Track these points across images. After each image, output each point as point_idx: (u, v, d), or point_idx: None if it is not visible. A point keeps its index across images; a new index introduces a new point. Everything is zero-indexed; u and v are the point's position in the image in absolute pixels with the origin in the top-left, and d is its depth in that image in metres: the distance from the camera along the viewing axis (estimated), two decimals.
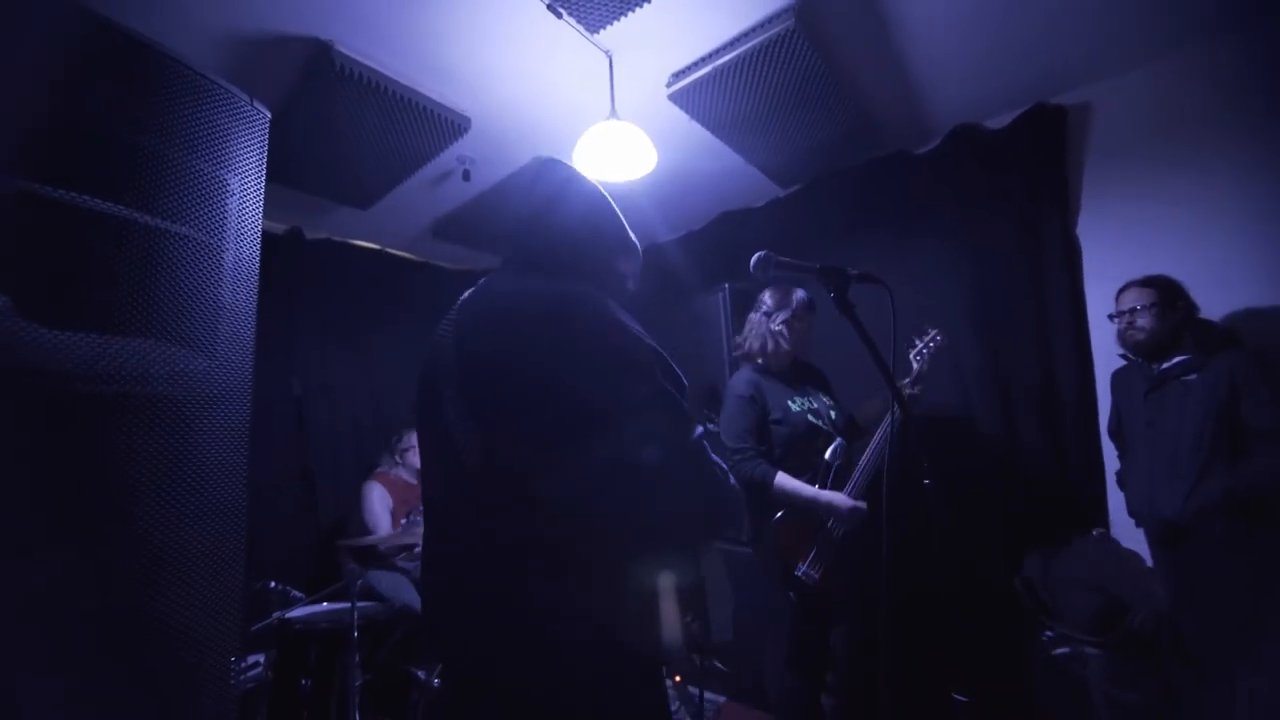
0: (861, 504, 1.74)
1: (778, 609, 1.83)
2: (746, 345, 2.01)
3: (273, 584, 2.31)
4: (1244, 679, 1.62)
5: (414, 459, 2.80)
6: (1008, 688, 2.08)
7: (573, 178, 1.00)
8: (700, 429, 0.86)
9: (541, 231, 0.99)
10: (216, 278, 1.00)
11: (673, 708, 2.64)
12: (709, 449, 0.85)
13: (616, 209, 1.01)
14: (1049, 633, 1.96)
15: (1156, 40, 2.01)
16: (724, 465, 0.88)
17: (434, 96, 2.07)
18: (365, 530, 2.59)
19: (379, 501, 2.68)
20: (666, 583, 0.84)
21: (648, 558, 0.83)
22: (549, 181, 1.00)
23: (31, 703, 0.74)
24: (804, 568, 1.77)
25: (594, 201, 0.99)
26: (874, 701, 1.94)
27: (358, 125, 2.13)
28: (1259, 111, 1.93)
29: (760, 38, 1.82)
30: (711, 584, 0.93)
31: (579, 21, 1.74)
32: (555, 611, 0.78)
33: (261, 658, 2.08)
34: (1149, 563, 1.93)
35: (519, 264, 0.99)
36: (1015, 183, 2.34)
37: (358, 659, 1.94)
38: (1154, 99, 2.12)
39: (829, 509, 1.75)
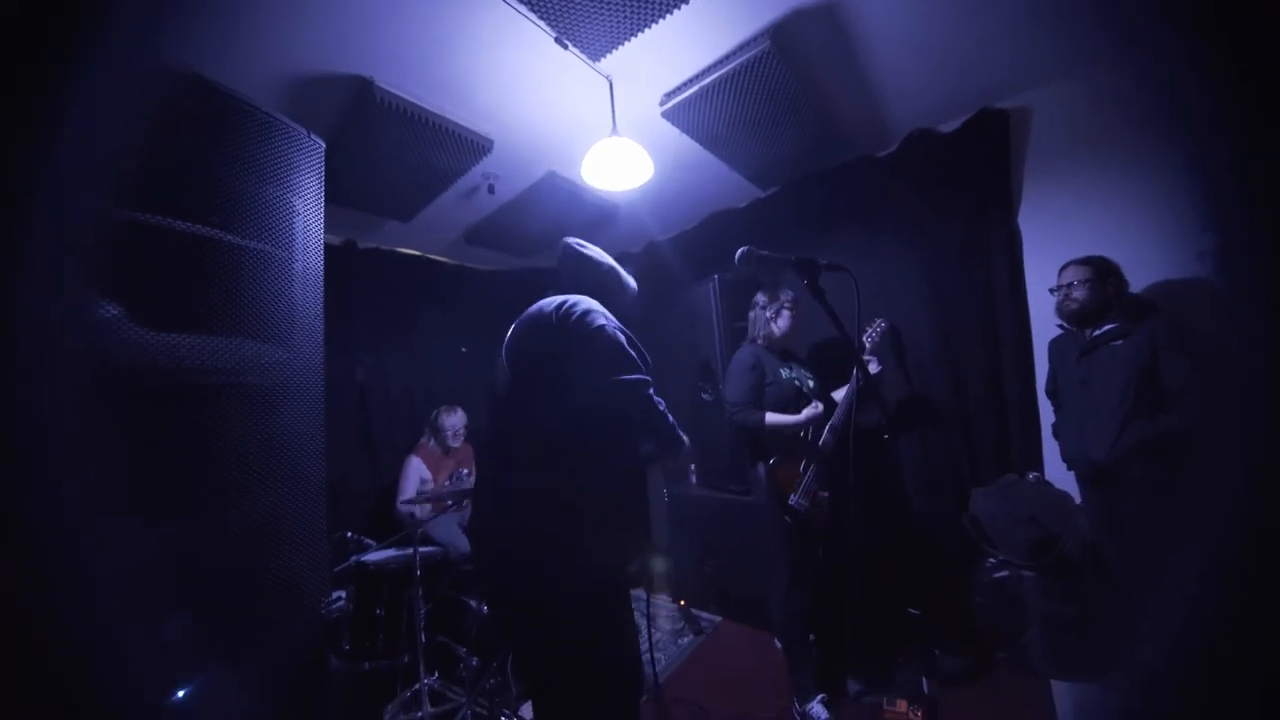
0: (817, 408, 1.94)
1: (778, 534, 1.94)
2: (751, 331, 2.15)
3: (349, 534, 2.38)
4: (1152, 592, 1.66)
5: (447, 437, 2.85)
6: (957, 604, 2.13)
7: (584, 255, 1.29)
8: (646, 379, 1.05)
9: (565, 278, 1.27)
10: (289, 284, 1.02)
11: (677, 626, 2.73)
12: (649, 388, 1.04)
13: (614, 267, 1.29)
14: (991, 560, 2.00)
15: (1085, 54, 1.95)
16: (662, 405, 1.07)
17: (461, 122, 2.06)
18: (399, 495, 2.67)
19: (414, 472, 2.73)
20: (615, 504, 1.03)
21: (602, 473, 1.03)
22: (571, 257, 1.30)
23: (171, 635, 0.79)
24: (795, 498, 1.90)
25: (599, 265, 1.29)
26: (845, 609, 2.07)
27: (397, 149, 2.13)
28: (1166, 113, 1.88)
29: (740, 59, 1.79)
30: (654, 496, 1.15)
31: (583, 51, 1.72)
32: (536, 537, 0.97)
33: (343, 593, 2.16)
34: (1077, 500, 1.96)
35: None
36: (964, 179, 2.31)
37: (420, 592, 2.02)
38: (1085, 104, 2.07)
39: (806, 423, 1.92)
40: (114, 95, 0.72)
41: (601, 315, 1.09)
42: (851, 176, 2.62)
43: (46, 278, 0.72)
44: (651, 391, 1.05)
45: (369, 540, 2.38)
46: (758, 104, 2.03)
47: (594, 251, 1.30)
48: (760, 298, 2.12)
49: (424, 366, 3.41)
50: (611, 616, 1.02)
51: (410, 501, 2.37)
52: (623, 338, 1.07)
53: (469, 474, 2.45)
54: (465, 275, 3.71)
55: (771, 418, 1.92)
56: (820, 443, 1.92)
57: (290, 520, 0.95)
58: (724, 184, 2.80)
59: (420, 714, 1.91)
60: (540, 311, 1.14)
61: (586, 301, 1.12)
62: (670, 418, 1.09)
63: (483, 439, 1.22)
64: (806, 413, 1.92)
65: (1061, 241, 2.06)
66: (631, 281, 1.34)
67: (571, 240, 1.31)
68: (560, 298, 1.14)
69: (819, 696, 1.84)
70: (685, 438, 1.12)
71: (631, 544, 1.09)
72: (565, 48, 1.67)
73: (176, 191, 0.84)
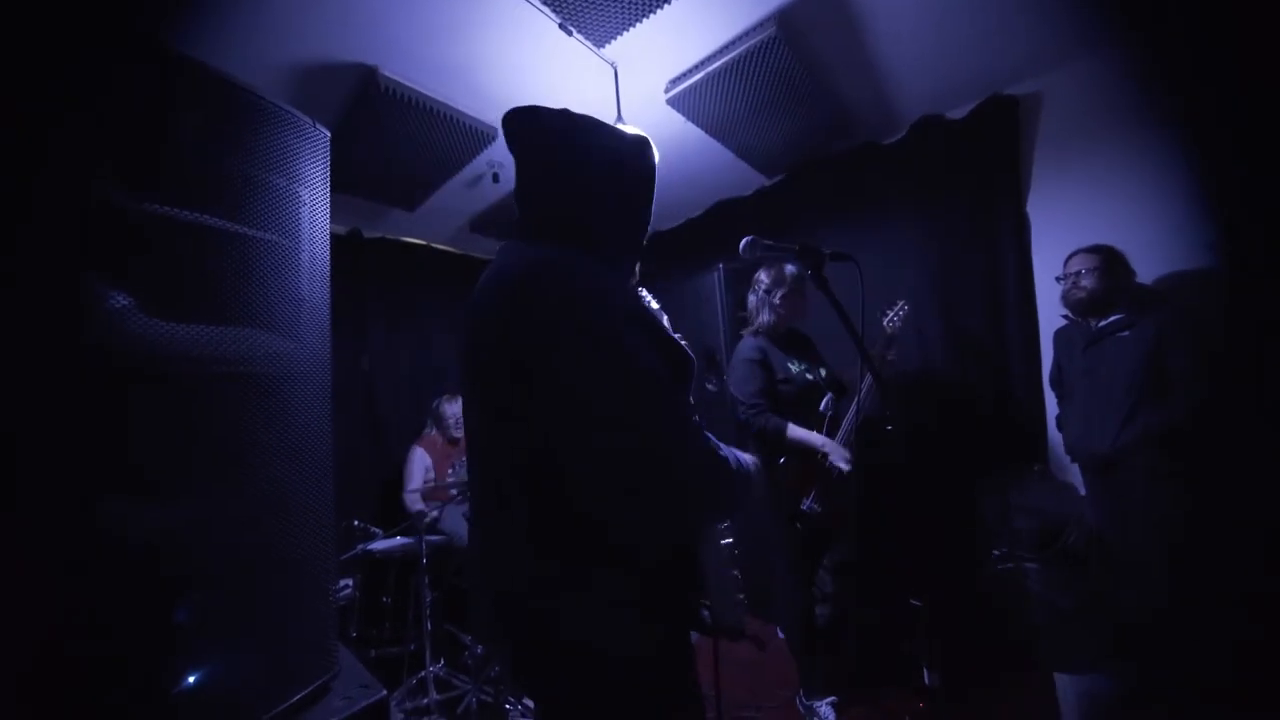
0: (848, 451, 1.79)
1: (782, 539, 1.87)
2: (753, 320, 2.01)
3: (356, 522, 2.41)
4: (1157, 578, 1.66)
5: (449, 426, 2.86)
6: (960, 596, 2.14)
7: (571, 130, 0.78)
8: (688, 406, 0.71)
9: (526, 197, 0.79)
10: (296, 274, 1.02)
11: None
12: (698, 429, 0.66)
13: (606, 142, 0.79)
14: (996, 551, 2.01)
15: (1095, 38, 1.92)
16: (718, 446, 0.69)
17: (465, 110, 2.05)
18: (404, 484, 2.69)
19: (418, 462, 2.75)
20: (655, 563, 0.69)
21: (623, 539, 0.66)
22: (547, 136, 0.79)
23: (184, 615, 0.80)
24: (809, 502, 1.82)
25: (595, 157, 0.78)
26: (854, 607, 2.04)
27: (402, 138, 2.12)
28: (1177, 105, 1.85)
29: (745, 45, 1.76)
30: (711, 562, 0.77)
31: (587, 38, 1.70)
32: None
33: (351, 581, 2.19)
34: (1081, 492, 1.95)
35: (518, 232, 0.80)
36: (972, 167, 2.27)
37: (427, 580, 2.04)
38: (1095, 90, 2.03)
39: (833, 453, 1.79)
40: (119, 84, 0.72)
41: (594, 294, 0.64)
42: (858, 164, 2.59)
43: (54, 268, 0.72)
44: (711, 446, 0.66)
45: (375, 529, 2.41)
46: (763, 91, 2.00)
47: (560, 118, 0.78)
48: (762, 277, 1.96)
49: (430, 355, 3.42)
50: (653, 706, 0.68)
51: (415, 492, 2.39)
52: (638, 336, 0.64)
53: None
54: (471, 264, 3.71)
55: (794, 432, 1.79)
56: (829, 466, 1.81)
57: (299, 505, 0.96)
58: (729, 172, 2.78)
59: (426, 700, 1.95)
60: (486, 295, 0.70)
61: (558, 268, 0.66)
62: (728, 472, 0.69)
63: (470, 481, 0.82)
64: (834, 445, 1.78)
65: (1070, 230, 2.03)
66: (644, 150, 0.81)
67: (518, 109, 0.80)
68: (512, 261, 0.70)
69: (829, 699, 1.81)
70: (746, 481, 0.73)
71: (680, 621, 0.74)
72: (570, 34, 1.66)
73: (182, 181, 0.84)
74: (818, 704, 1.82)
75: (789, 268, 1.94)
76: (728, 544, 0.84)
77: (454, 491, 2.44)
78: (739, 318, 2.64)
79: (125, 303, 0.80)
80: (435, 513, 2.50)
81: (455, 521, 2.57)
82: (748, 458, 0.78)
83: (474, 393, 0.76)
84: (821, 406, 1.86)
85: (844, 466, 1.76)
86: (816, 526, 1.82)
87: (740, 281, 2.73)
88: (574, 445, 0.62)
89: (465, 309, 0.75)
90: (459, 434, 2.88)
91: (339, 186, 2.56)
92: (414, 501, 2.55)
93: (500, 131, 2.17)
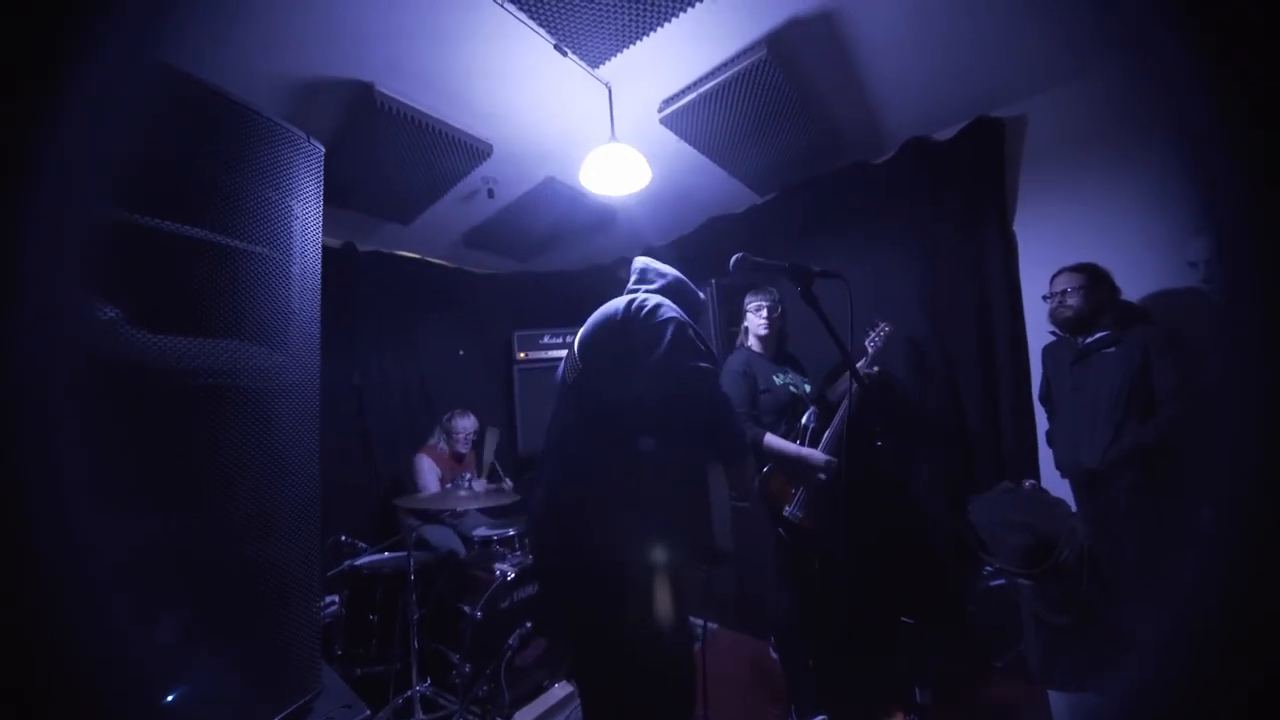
0: (833, 459, 1.82)
1: (771, 547, 1.91)
2: (741, 336, 2.15)
3: (343, 537, 2.38)
4: (1147, 596, 1.66)
5: (457, 441, 2.85)
6: (952, 612, 2.13)
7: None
8: (715, 369, 1.07)
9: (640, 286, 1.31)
10: (286, 288, 1.02)
11: None
12: (717, 379, 1.07)
13: (679, 276, 1.33)
14: (987, 568, 2.00)
15: (1081, 62, 1.98)
16: (727, 398, 1.08)
17: (460, 127, 2.08)
18: (417, 493, 2.66)
19: (429, 470, 2.73)
20: (675, 495, 1.05)
21: (663, 465, 1.05)
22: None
23: (160, 634, 0.79)
24: (790, 509, 1.85)
25: (664, 274, 1.33)
26: (841, 617, 2.04)
27: (397, 153, 2.14)
28: (1155, 130, 1.90)
29: (737, 67, 1.81)
30: (716, 497, 1.12)
31: (582, 58, 1.74)
32: (592, 508, 1.05)
33: (336, 598, 2.15)
34: (1073, 508, 1.96)
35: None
36: (959, 187, 2.33)
37: (415, 597, 2.01)
38: (1080, 112, 2.09)
39: (808, 462, 1.82)
40: (111, 95, 0.73)
41: (671, 309, 1.13)
42: (848, 183, 2.64)
43: (42, 279, 0.72)
44: (733, 408, 1.12)
45: (362, 544, 2.37)
46: (755, 111, 2.05)
47: (660, 265, 1.36)
48: (748, 301, 2.12)
49: (423, 369, 3.41)
50: (647, 603, 1.03)
51: (427, 495, 2.38)
52: (691, 332, 1.11)
53: (470, 478, 2.46)
54: (464, 278, 3.72)
55: (771, 441, 1.86)
56: (809, 474, 1.85)
57: (284, 521, 0.95)
58: (721, 190, 2.82)
59: None
60: (613, 306, 1.19)
61: (657, 298, 1.16)
62: (737, 420, 1.12)
63: (550, 429, 1.25)
64: (808, 452, 1.83)
65: (1057, 249, 2.08)
66: (696, 290, 1.36)
67: (642, 259, 1.37)
68: (630, 295, 1.20)
69: (820, 718, 1.80)
70: (748, 444, 1.13)
71: (689, 539, 1.10)
72: (564, 54, 1.69)
73: (173, 194, 0.84)
74: None
75: (766, 293, 2.07)
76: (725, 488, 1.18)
77: (445, 515, 2.42)
78: (730, 333, 2.67)
79: (113, 314, 0.80)
80: (419, 524, 2.47)
81: (443, 536, 2.54)
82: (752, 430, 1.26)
83: (584, 361, 1.20)
84: (804, 419, 1.91)
85: (821, 476, 1.81)
86: (800, 534, 1.85)
87: (732, 298, 2.76)
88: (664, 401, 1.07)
89: (590, 321, 1.26)
90: (465, 450, 2.87)
91: (333, 200, 2.60)
92: (433, 504, 2.52)
93: (494, 148, 2.22)
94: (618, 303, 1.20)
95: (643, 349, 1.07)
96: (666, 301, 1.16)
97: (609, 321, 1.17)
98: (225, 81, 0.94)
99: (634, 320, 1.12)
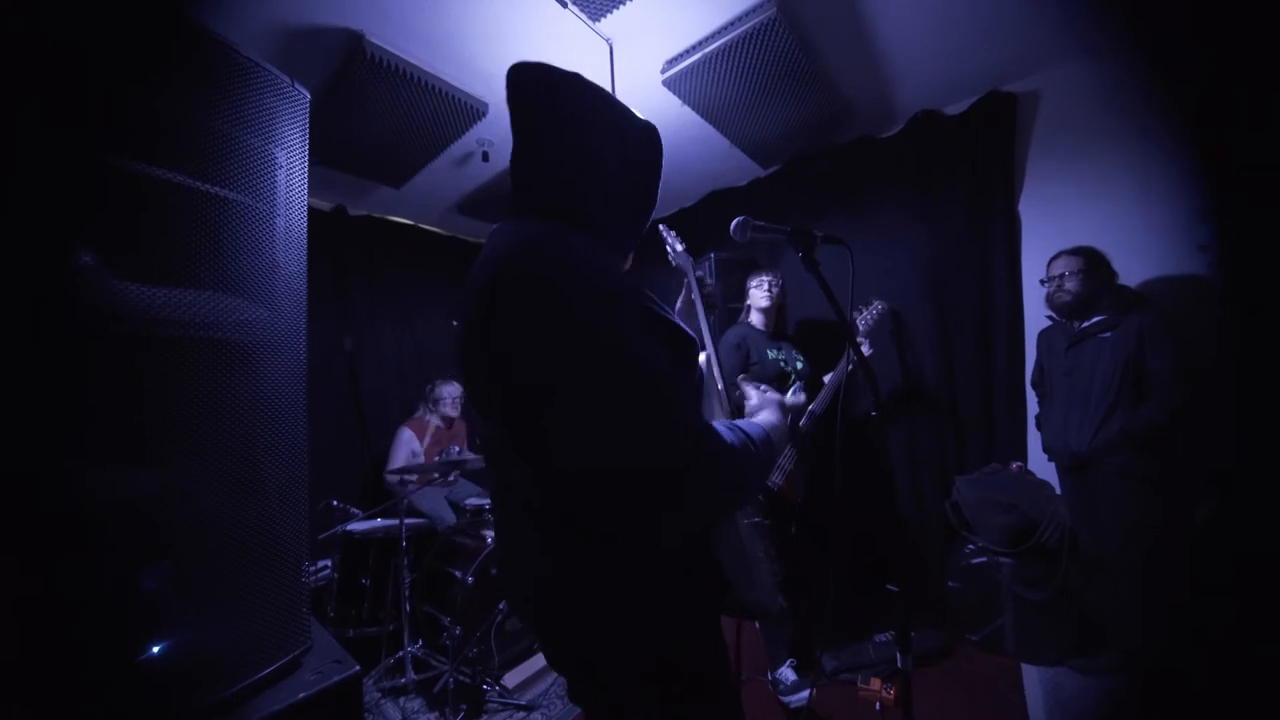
0: (800, 399, 1.83)
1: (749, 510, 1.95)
2: (743, 315, 2.22)
3: (335, 502, 2.39)
4: (1127, 577, 1.71)
5: (444, 407, 2.83)
6: (935, 586, 2.18)
7: (582, 95, 0.72)
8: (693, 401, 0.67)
9: (524, 166, 0.71)
10: (271, 240, 0.98)
11: None
12: (715, 436, 0.58)
13: (609, 104, 0.74)
14: (970, 545, 2.04)
15: (1096, 33, 1.91)
16: (723, 433, 0.59)
17: (455, 83, 1.99)
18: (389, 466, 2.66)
19: (404, 445, 2.71)
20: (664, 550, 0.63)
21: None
22: (528, 101, 0.72)
23: (147, 580, 0.78)
24: (772, 477, 1.88)
25: (579, 121, 0.71)
26: (824, 586, 2.13)
27: (388, 109, 2.06)
28: (1173, 108, 1.87)
29: (745, 26, 1.73)
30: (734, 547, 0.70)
31: (582, 10, 1.66)
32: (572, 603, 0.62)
33: (329, 562, 2.17)
34: (1058, 491, 1.99)
35: (509, 209, 0.72)
36: (967, 164, 2.28)
37: (406, 561, 2.03)
38: (1094, 89, 2.04)
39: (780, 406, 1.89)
40: (88, 32, 0.68)
41: (584, 274, 0.56)
42: (854, 157, 2.59)
43: (19, 223, 0.69)
44: (717, 444, 0.57)
45: (355, 509, 2.38)
46: (762, 75, 1.98)
47: (572, 81, 0.72)
48: (750, 281, 2.17)
49: (417, 337, 3.37)
50: (688, 688, 0.63)
51: (396, 472, 2.37)
52: (626, 319, 0.55)
53: (459, 450, 2.46)
54: (457, 246, 3.64)
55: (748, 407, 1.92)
56: (800, 423, 1.92)
57: (270, 481, 0.94)
58: (724, 161, 2.75)
59: (403, 679, 1.94)
60: (472, 281, 0.63)
61: (545, 245, 0.58)
62: (745, 455, 0.60)
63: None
64: (774, 396, 1.87)
65: (1058, 230, 2.06)
66: (654, 135, 0.83)
67: (528, 63, 0.73)
68: (498, 243, 0.62)
69: (789, 661, 1.89)
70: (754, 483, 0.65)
71: (700, 594, 0.67)
72: (565, 5, 1.61)
73: (152, 136, 0.80)
74: (780, 670, 1.87)
75: (770, 274, 2.15)
76: (751, 524, 0.79)
77: (435, 475, 2.42)
78: (730, 308, 2.65)
79: (90, 260, 0.77)
80: (412, 489, 2.47)
81: (435, 503, 2.56)
82: (764, 415, 0.77)
83: (468, 389, 0.70)
84: (790, 393, 1.91)
85: (805, 420, 1.92)
86: (777, 498, 1.90)
87: (732, 271, 2.73)
88: (564, 450, 0.54)
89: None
90: (455, 413, 2.84)
91: (323, 160, 2.51)
92: (394, 480, 2.53)
93: (490, 108, 2.14)
94: (480, 264, 0.65)
95: (547, 370, 0.57)
96: (562, 253, 0.58)
97: (475, 312, 0.63)
98: (206, 20, 0.89)
99: (500, 319, 0.60)
